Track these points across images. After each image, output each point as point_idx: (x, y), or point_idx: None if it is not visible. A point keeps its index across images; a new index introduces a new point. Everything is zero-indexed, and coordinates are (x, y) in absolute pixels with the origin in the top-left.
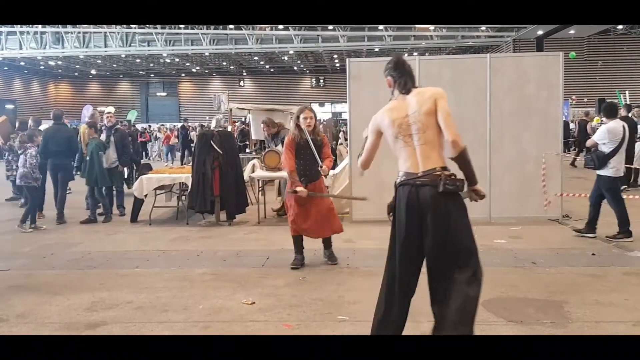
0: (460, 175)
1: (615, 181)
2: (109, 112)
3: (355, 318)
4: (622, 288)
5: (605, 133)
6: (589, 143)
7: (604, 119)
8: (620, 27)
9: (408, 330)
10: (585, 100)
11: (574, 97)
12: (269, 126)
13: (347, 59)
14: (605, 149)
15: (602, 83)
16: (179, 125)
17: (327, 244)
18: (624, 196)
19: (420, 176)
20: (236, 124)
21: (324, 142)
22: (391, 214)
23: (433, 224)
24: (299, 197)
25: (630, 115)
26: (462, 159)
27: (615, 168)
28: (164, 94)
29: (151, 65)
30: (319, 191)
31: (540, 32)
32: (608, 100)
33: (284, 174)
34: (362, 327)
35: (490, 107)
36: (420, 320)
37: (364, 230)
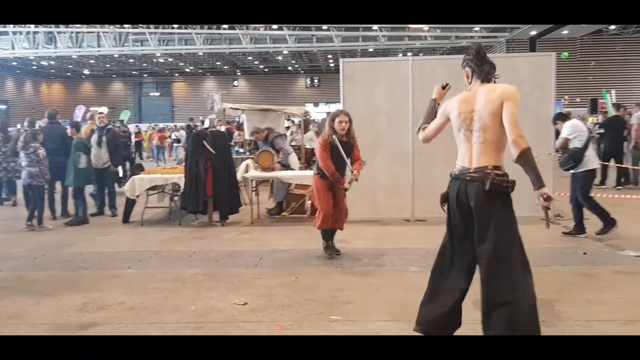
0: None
1: (588, 177)
2: (101, 113)
3: (348, 318)
4: (613, 287)
5: (571, 127)
6: (557, 143)
7: (559, 124)
8: (612, 27)
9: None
10: (578, 100)
11: (566, 97)
12: (258, 133)
13: (340, 59)
14: (577, 143)
15: (595, 83)
16: (172, 124)
17: (332, 235)
18: (617, 195)
19: (472, 172)
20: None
21: (354, 144)
22: (444, 203)
23: (478, 221)
24: (328, 193)
25: (619, 114)
26: (524, 160)
27: (589, 161)
28: (157, 93)
29: (144, 65)
30: (341, 191)
31: (533, 33)
32: (558, 112)
33: (277, 174)
34: (355, 326)
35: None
36: None
37: (357, 230)
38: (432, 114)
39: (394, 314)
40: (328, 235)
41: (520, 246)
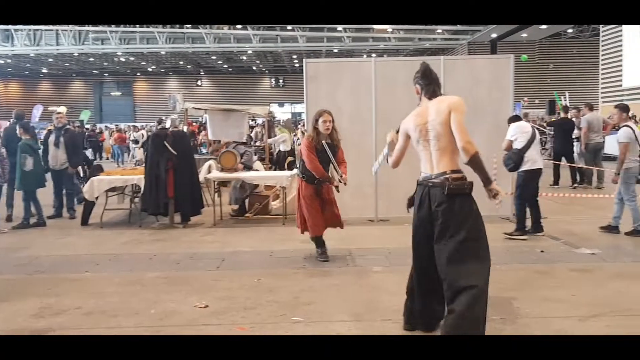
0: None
1: (532, 176)
2: (59, 113)
3: (310, 319)
4: (569, 284)
5: (515, 129)
6: (503, 145)
7: (512, 125)
8: (570, 30)
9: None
10: (537, 102)
11: (525, 98)
12: (217, 151)
13: (304, 60)
14: (518, 145)
15: (553, 85)
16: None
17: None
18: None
19: (433, 178)
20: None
21: (338, 146)
22: (410, 207)
23: (439, 222)
24: (315, 200)
25: (568, 116)
26: (474, 163)
27: (531, 161)
28: (119, 93)
29: (105, 64)
30: (329, 192)
31: (494, 35)
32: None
33: (240, 174)
34: (317, 327)
35: None
36: None
37: None
38: (392, 146)
39: (356, 314)
40: (321, 241)
41: (484, 237)
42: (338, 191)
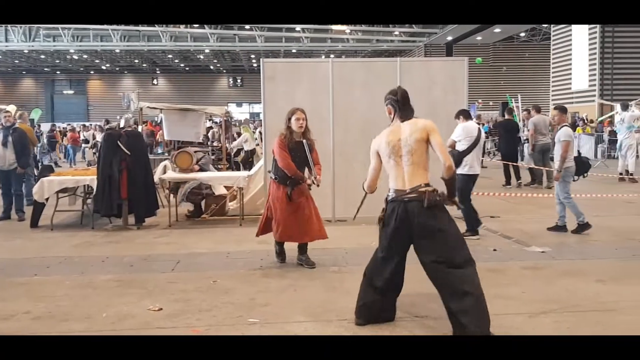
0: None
1: (468, 181)
2: (7, 111)
3: (266, 320)
4: (519, 282)
5: (461, 130)
6: (447, 142)
7: (461, 119)
8: (522, 34)
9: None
10: (491, 103)
11: (479, 100)
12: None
13: (261, 59)
14: (461, 146)
15: (507, 87)
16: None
17: (303, 249)
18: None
19: (407, 192)
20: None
21: (312, 146)
22: (382, 224)
23: (421, 234)
24: (287, 203)
25: (510, 117)
26: (451, 179)
27: (469, 166)
28: (71, 92)
29: (57, 61)
30: (304, 193)
31: (450, 38)
32: (463, 108)
33: (196, 175)
34: (272, 328)
35: None
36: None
37: None
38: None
39: (313, 314)
40: (282, 250)
41: (465, 243)
42: (310, 189)
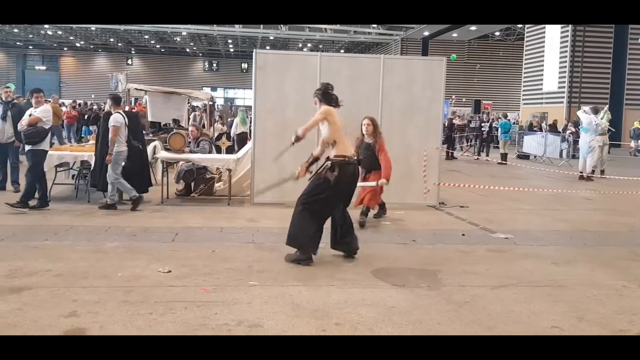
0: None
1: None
2: (7, 87)
3: (265, 283)
4: (484, 261)
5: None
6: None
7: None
8: (497, 33)
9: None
10: (464, 100)
11: (453, 97)
12: (197, 130)
13: (254, 50)
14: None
15: (480, 85)
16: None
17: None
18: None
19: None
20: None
21: (377, 147)
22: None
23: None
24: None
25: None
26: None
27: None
28: (44, 67)
29: (30, 36)
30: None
31: (426, 34)
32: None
33: (189, 156)
34: (272, 290)
35: (382, 103)
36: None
37: (264, 211)
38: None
39: (303, 279)
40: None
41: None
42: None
